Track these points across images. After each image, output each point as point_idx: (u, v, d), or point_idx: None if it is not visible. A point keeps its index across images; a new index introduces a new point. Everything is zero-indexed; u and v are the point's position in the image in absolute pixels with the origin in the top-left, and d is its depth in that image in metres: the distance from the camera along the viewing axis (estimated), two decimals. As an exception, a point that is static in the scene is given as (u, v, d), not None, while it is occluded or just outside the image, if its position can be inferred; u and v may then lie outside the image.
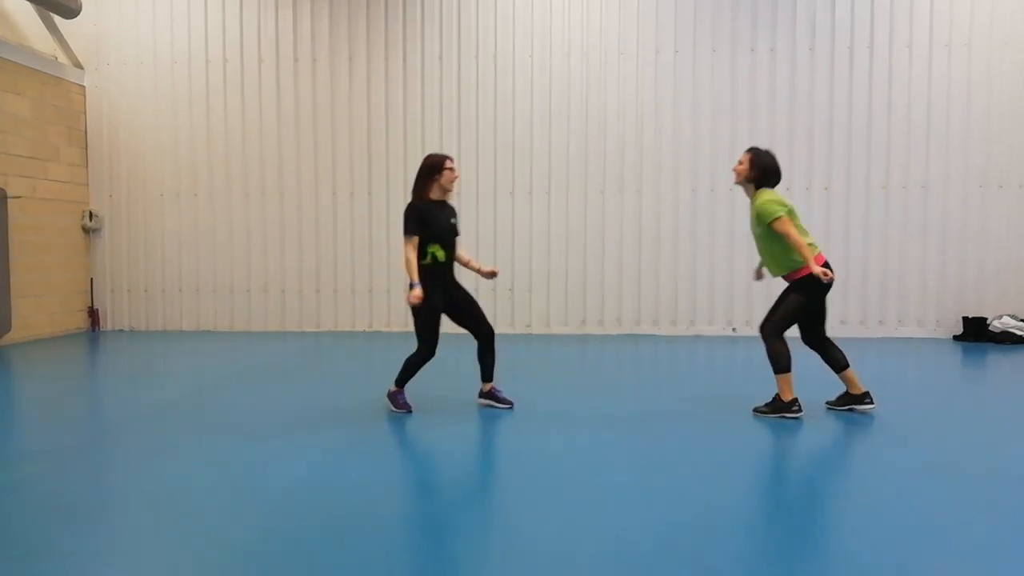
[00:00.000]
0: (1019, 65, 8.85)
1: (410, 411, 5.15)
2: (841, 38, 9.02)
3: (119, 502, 3.46)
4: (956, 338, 8.93)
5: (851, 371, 5.02)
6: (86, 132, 9.82)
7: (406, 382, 5.19)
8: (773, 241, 4.89)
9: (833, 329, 9.06)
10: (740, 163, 5.03)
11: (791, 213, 4.85)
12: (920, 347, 8.35)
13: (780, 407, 4.96)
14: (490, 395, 5.30)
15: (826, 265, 4.85)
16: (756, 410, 5.09)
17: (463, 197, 9.43)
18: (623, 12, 9.21)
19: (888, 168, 9.05)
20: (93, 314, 9.84)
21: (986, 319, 8.79)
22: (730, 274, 9.25)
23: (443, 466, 4.01)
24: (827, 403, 5.23)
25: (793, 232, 4.77)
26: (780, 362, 4.92)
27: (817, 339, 5.08)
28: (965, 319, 8.89)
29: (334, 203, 9.63)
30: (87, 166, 9.84)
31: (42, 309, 9.01)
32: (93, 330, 9.80)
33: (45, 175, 9.07)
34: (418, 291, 4.83)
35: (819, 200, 9.12)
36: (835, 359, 5.02)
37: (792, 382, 4.95)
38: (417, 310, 4.95)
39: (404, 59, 9.46)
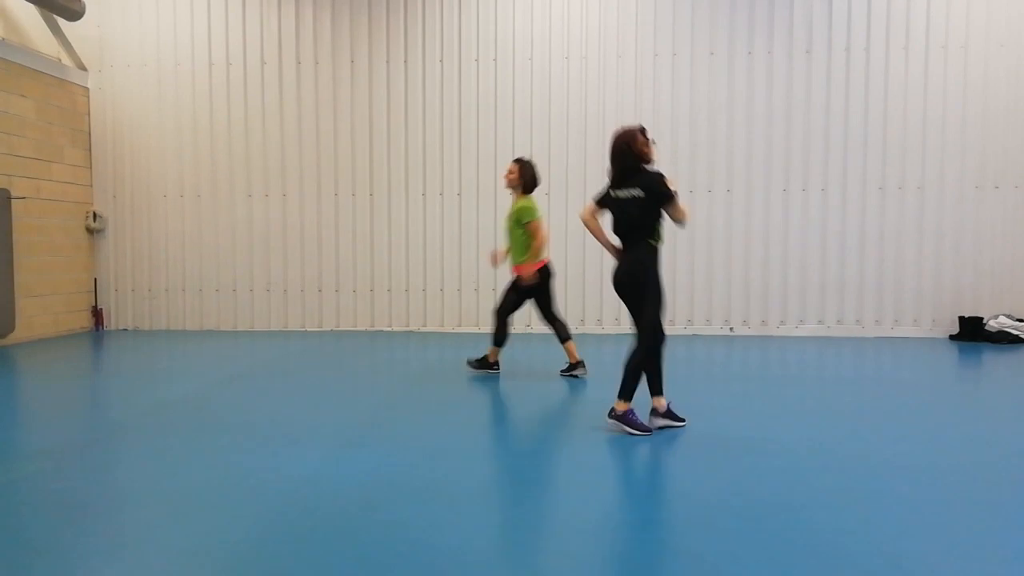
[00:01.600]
0: (1015, 67, 8.93)
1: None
2: (838, 40, 9.10)
3: (122, 500, 3.49)
4: (952, 337, 9.01)
5: (572, 343, 6.33)
6: (90, 134, 9.90)
7: (662, 386, 4.66)
8: (522, 237, 6.07)
9: (830, 328, 9.21)
10: (511, 172, 6.16)
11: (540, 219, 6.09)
12: (916, 346, 8.42)
13: (484, 364, 6.49)
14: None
15: (546, 268, 6.11)
16: (469, 363, 6.56)
17: (464, 197, 9.53)
18: (621, 15, 9.29)
19: (884, 169, 9.13)
20: (97, 314, 9.92)
21: (982, 319, 8.86)
22: (727, 274, 9.33)
23: (444, 465, 4.06)
24: (561, 372, 6.48)
25: (542, 234, 6.03)
26: (497, 337, 6.32)
27: (548, 316, 6.29)
28: (961, 319, 8.96)
29: (336, 204, 9.72)
30: (91, 167, 9.92)
31: (46, 309, 9.09)
32: (97, 330, 9.88)
33: (49, 176, 9.15)
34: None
35: (816, 201, 9.20)
36: (560, 332, 6.28)
37: (499, 353, 6.41)
38: (658, 296, 4.51)
39: (405, 61, 9.54)
